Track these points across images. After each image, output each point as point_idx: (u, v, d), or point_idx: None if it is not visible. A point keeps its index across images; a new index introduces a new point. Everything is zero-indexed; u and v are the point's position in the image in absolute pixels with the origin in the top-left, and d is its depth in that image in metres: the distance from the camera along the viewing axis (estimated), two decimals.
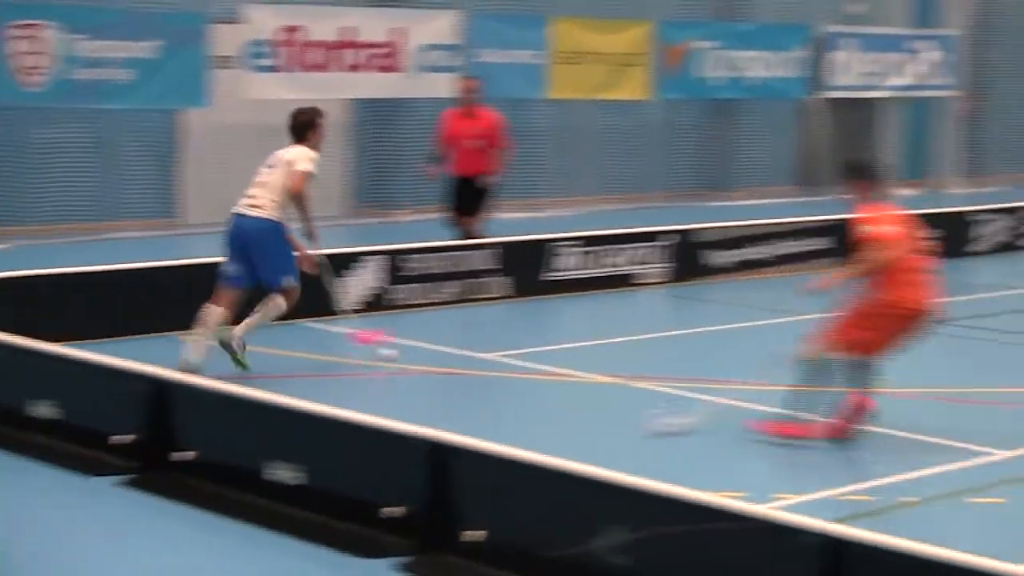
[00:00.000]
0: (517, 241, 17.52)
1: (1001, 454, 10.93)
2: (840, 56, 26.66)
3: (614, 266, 17.97)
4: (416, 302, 16.20)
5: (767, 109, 26.69)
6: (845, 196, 11.50)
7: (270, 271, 12.76)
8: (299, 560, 8.47)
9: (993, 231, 21.86)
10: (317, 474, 8.95)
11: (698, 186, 26.11)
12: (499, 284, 16.96)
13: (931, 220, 20.97)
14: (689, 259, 18.55)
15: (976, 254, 21.51)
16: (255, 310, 12.85)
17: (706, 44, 25.08)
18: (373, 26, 22.00)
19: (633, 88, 24.63)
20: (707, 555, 7.49)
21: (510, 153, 18.10)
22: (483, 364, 13.80)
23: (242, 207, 12.79)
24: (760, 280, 18.96)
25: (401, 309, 15.87)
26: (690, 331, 15.70)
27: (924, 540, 6.95)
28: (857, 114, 27.63)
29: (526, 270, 17.19)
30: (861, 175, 11.34)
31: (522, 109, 23.72)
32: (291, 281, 12.85)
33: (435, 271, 16.43)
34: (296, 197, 12.63)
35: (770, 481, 10.16)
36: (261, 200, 12.68)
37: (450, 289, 16.56)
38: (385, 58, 22.14)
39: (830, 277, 11.21)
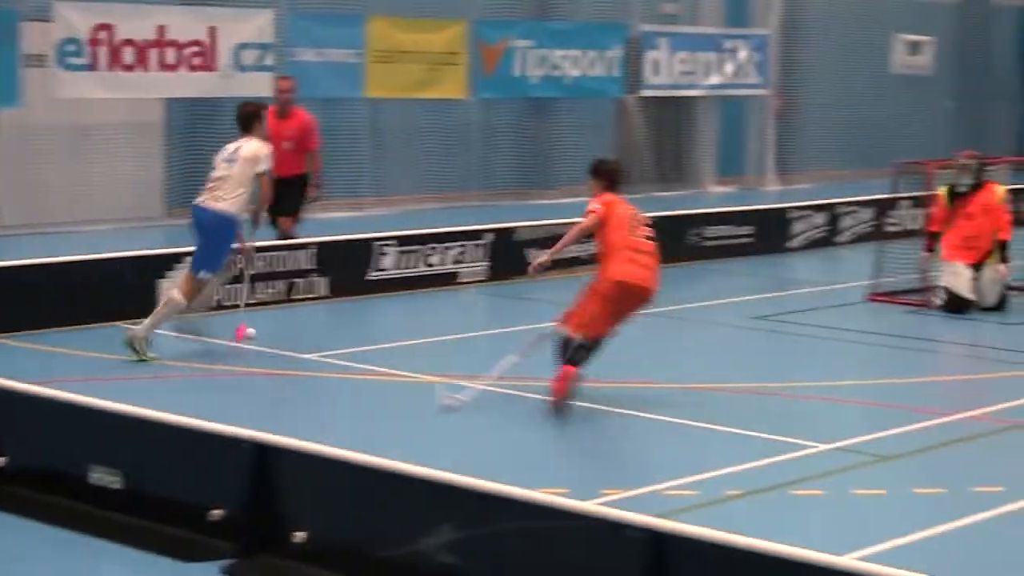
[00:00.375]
0: (337, 241, 17.42)
1: (820, 447, 11.08)
2: (655, 55, 26.91)
3: (435, 265, 17.94)
4: (238, 302, 15.99)
5: (584, 108, 26.84)
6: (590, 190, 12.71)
7: (199, 259, 13.71)
8: (122, 565, 8.32)
9: (807, 228, 22.21)
10: (141, 478, 8.78)
11: (516, 185, 26.18)
12: (320, 284, 16.83)
13: (748, 217, 21.42)
14: (508, 257, 18.58)
15: (791, 250, 21.84)
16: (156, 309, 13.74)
17: (523, 43, 25.15)
18: (187, 25, 21.70)
19: (450, 87, 24.60)
20: (533, 552, 7.47)
21: (324, 154, 17.96)
22: (305, 364, 13.68)
23: (204, 200, 13.77)
24: (579, 278, 19.03)
25: (222, 310, 15.67)
26: (511, 329, 15.69)
27: (748, 533, 7.00)
28: (673, 112, 27.92)
29: (347, 270, 17.09)
30: (600, 173, 12.73)
31: (340, 108, 23.58)
32: (207, 275, 13.74)
33: (255, 271, 16.22)
34: (263, 197, 13.92)
35: (596, 477, 10.19)
36: (222, 193, 13.70)
37: (271, 289, 16.39)
38: (199, 57, 21.85)
39: (549, 253, 12.69)
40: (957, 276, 16.99)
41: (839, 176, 29.86)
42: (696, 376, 13.72)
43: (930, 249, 17.40)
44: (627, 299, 12.28)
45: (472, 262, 18.23)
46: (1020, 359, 14.85)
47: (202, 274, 13.74)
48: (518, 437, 11.48)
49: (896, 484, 10.30)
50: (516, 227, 18.96)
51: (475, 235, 18.45)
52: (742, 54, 28.22)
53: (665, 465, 10.64)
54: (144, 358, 13.31)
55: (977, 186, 17.30)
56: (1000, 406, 12.56)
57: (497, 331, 15.92)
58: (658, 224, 19.85)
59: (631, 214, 12.54)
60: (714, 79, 27.88)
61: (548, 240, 18.78)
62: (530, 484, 8.03)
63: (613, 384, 13.18)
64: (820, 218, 22.44)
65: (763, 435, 11.40)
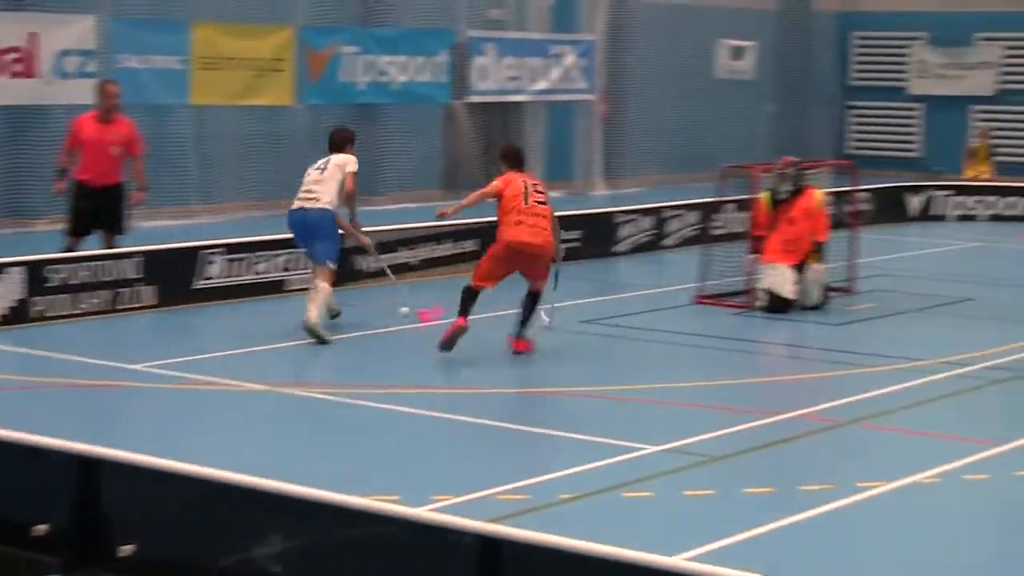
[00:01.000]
0: (164, 249, 17.18)
1: (650, 448, 11.16)
2: (482, 61, 26.97)
3: (262, 273, 17.78)
4: (61, 313, 15.72)
5: (412, 114, 26.81)
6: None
7: (322, 252, 15.40)
8: None
9: (635, 231, 22.40)
10: None
11: None
12: (147, 293, 16.59)
13: (576, 222, 21.53)
14: (338, 265, 18.47)
15: (619, 254, 22.00)
16: (310, 298, 15.17)
17: (349, 49, 25.05)
18: (6, 30, 21.27)
19: (277, 94, 24.43)
20: (366, 560, 7.41)
21: (150, 162, 17.71)
22: (132, 375, 13.47)
23: (302, 204, 15.42)
24: (405, 284, 19.04)
25: (46, 321, 15.39)
26: (337, 336, 15.61)
27: (581, 536, 7.00)
28: (501, 118, 28.00)
29: (174, 279, 16.86)
30: (504, 157, 15.02)
31: (165, 116, 23.28)
32: (334, 263, 15.52)
33: (80, 281, 15.97)
34: (350, 194, 15.62)
35: (427, 483, 10.16)
36: (318, 195, 15.38)
37: (96, 299, 16.12)
38: (19, 63, 21.44)
39: (455, 204, 15.07)
40: (778, 277, 17.30)
41: (665, 180, 30.16)
42: (526, 380, 13.77)
43: (755, 252, 17.65)
44: (516, 257, 14.56)
45: (300, 270, 18.08)
46: (841, 359, 15.10)
47: (330, 263, 15.40)
48: (347, 444, 11.42)
49: (725, 484, 10.41)
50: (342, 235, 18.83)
51: None
52: (568, 59, 28.38)
53: (497, 470, 10.64)
54: (326, 340, 14.90)
55: (797, 192, 17.63)
56: (824, 405, 12.77)
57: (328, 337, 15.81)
58: (483, 230, 20.12)
59: (527, 185, 14.62)
60: (541, 84, 28.01)
61: (378, 246, 18.80)
62: (360, 491, 7.97)
63: (445, 390, 13.19)
64: (647, 222, 22.64)
65: (594, 438, 11.46)
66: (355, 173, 15.79)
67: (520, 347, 14.67)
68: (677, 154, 30.79)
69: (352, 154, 15.96)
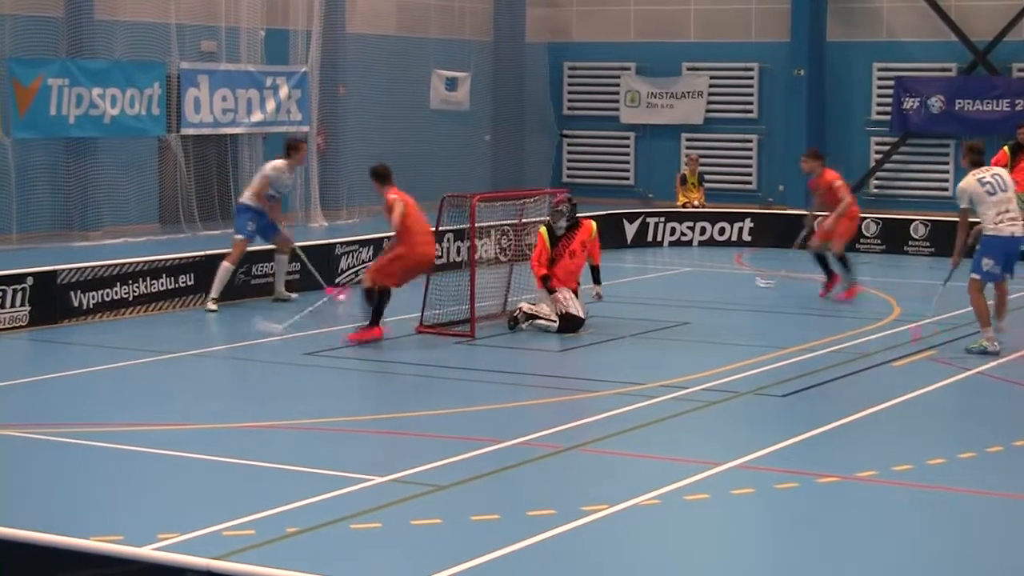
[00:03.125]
0: None
1: (377, 479, 11.14)
2: (196, 93, 26.63)
3: None
4: None
5: (126, 147, 26.33)
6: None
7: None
8: None
9: (355, 263, 22.35)
10: None
11: (57, 227, 25.45)
12: None
13: (292, 254, 21.40)
14: (50, 302, 18.08)
15: (340, 285, 21.90)
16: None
17: (58, 81, 24.48)
18: None
19: None
20: None
21: None
22: None
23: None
24: (122, 320, 18.73)
25: None
26: (53, 376, 15.25)
27: (309, 569, 6.97)
28: (216, 150, 27.68)
29: None
30: (378, 176, 18.11)
31: None
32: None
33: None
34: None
35: (150, 521, 9.96)
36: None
37: None
38: None
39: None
40: (568, 300, 18.18)
41: (383, 211, 30.13)
42: (250, 415, 13.62)
43: (544, 287, 18.37)
44: (420, 267, 17.81)
45: (12, 307, 17.62)
46: (563, 384, 15.29)
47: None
48: (62, 485, 11.12)
49: (453, 512, 10.43)
50: (58, 270, 18.45)
51: (15, 279, 17.86)
52: (283, 91, 28.22)
53: (222, 505, 10.48)
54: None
55: (574, 225, 18.53)
56: (547, 431, 12.89)
57: (37, 378, 15.42)
58: (199, 264, 19.90)
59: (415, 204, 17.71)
60: (256, 116, 27.79)
61: (92, 283, 18.45)
62: (81, 533, 7.78)
63: (164, 426, 12.96)
64: (366, 253, 22.62)
65: (320, 470, 11.39)
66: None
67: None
68: (396, 184, 30.77)
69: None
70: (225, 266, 19.87)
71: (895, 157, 31.53)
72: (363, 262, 22.47)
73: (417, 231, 17.66)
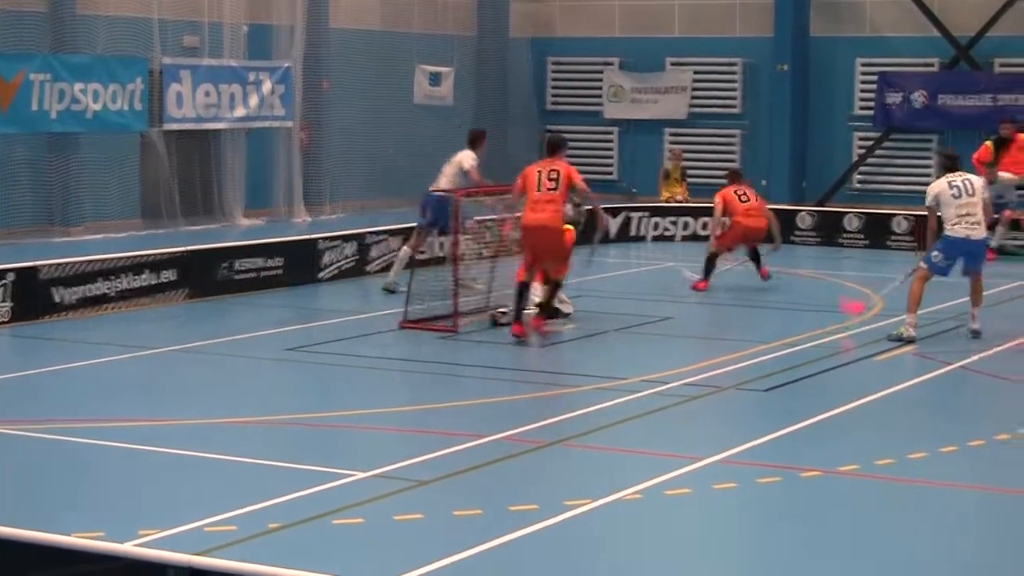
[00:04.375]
0: None
1: (359, 475, 11.13)
2: (178, 88, 26.57)
3: None
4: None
5: (108, 142, 26.26)
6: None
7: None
8: None
9: (338, 258, 22.35)
10: None
11: (39, 222, 25.40)
12: None
13: (278, 249, 21.39)
14: (32, 297, 18.04)
15: (323, 281, 21.93)
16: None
17: (40, 76, 24.39)
18: None
19: None
20: None
21: None
22: None
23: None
24: (104, 316, 18.70)
25: None
26: (34, 372, 15.22)
27: (291, 565, 6.96)
28: (199, 145, 27.62)
29: None
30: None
31: None
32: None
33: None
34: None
35: (132, 517, 9.95)
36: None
37: None
38: None
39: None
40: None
41: (367, 206, 30.13)
42: (234, 410, 13.59)
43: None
44: (532, 239, 17.06)
45: None
46: (546, 379, 15.31)
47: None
48: (42, 481, 11.10)
49: (435, 508, 10.42)
50: (40, 266, 18.41)
51: None
52: (266, 86, 28.16)
53: (204, 501, 10.46)
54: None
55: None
56: (530, 426, 12.90)
57: (18, 374, 15.39)
58: (187, 259, 19.88)
59: (539, 172, 17.29)
60: (239, 111, 27.72)
61: (74, 278, 18.42)
62: (63, 529, 7.78)
63: (144, 422, 12.94)
64: (350, 248, 22.62)
65: (303, 466, 11.39)
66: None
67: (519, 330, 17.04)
68: (378, 180, 30.79)
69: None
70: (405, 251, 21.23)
71: (878, 152, 31.55)
72: (346, 257, 22.47)
73: (525, 201, 17.53)
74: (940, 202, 17.43)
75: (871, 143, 31.62)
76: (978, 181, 17.72)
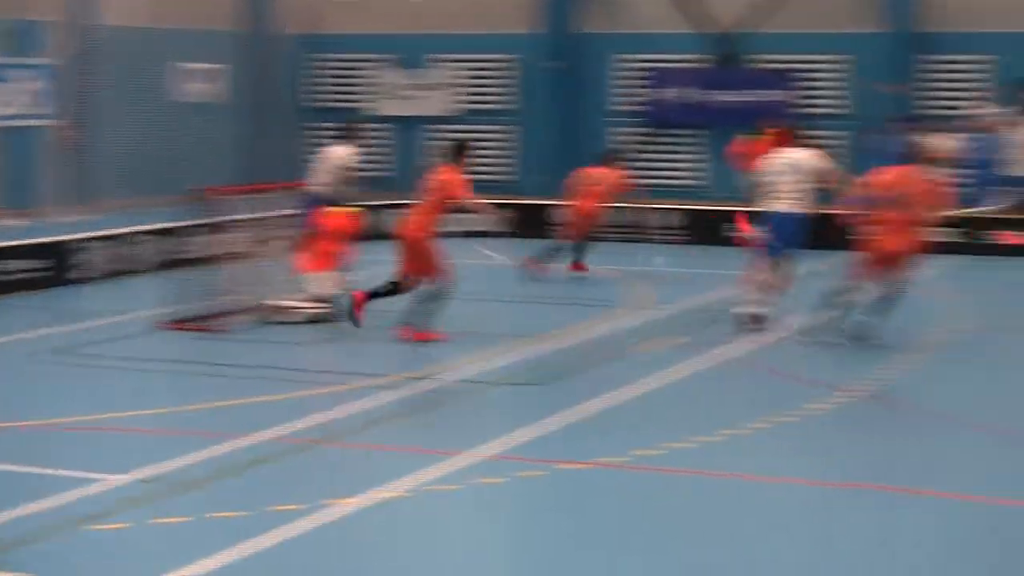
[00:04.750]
0: None
1: (118, 478, 10.87)
2: None
3: None
4: None
5: None
6: None
7: None
8: None
9: (101, 258, 21.89)
10: None
11: None
12: None
13: (40, 250, 20.87)
14: None
15: (83, 281, 21.43)
16: None
17: None
18: None
19: None
20: None
21: None
22: None
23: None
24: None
25: None
26: None
27: (50, 573, 6.75)
28: None
29: None
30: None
31: None
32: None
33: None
34: None
35: None
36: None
37: None
38: None
39: None
40: (322, 281, 18.34)
41: (133, 205, 29.58)
42: None
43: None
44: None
45: None
46: (306, 378, 15.15)
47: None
48: None
49: (196, 510, 10.22)
50: None
51: None
52: (28, 84, 27.50)
53: None
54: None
55: None
56: (294, 425, 12.76)
57: None
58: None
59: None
60: (1, 110, 27.04)
61: None
62: None
63: None
64: (114, 247, 22.16)
65: (59, 472, 11.09)
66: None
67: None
68: (145, 178, 30.23)
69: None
70: None
71: (648, 147, 31.92)
72: (116, 256, 22.01)
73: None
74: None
75: (640, 138, 31.96)
76: (799, 158, 17.87)
